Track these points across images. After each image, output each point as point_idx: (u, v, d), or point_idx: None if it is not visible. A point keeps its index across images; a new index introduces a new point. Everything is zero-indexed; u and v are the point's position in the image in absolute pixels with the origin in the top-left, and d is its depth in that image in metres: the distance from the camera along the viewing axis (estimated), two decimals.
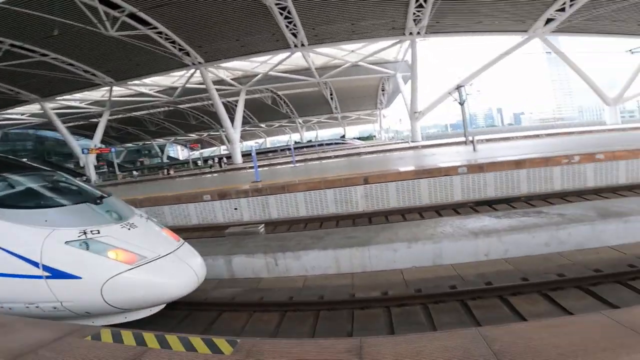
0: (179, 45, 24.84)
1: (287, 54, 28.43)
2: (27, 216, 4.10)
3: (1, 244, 3.90)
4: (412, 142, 31.30)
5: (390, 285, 4.78)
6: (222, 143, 66.78)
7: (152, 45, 23.47)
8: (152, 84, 33.61)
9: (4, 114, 36.26)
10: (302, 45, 26.59)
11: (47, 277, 3.81)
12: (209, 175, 25.12)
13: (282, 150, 51.65)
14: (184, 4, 20.43)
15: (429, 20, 23.88)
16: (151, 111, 47.20)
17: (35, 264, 3.81)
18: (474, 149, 14.97)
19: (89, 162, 33.20)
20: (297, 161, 22.54)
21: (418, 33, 26.04)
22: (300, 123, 62.27)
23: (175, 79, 33.48)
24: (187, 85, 32.00)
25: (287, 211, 10.29)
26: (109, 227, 4.25)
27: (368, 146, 41.42)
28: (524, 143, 18.08)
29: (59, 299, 3.85)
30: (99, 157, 38.85)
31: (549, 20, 24.61)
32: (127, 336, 2.51)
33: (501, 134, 33.25)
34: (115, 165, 43.56)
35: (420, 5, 22.56)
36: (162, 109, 47.41)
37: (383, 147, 30.75)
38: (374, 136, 71.02)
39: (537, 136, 24.43)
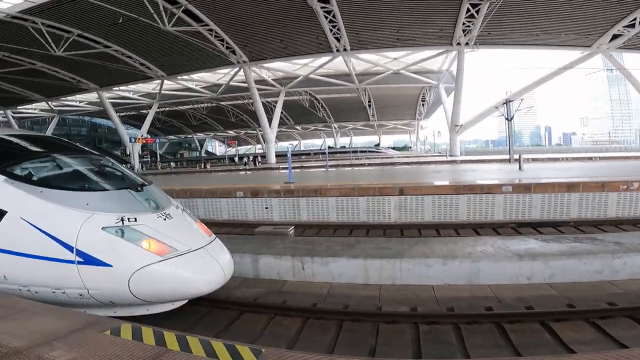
0: (227, 43, 25.61)
1: (329, 57, 28.56)
2: (70, 198, 4.06)
3: (39, 224, 3.84)
4: (450, 156, 30.25)
5: (419, 301, 4.58)
6: (258, 142, 68.30)
7: (202, 42, 24.37)
8: (198, 79, 35.04)
9: (63, 100, 39.29)
10: (345, 49, 26.57)
11: (79, 263, 3.73)
12: (242, 173, 25.69)
13: (315, 154, 51.87)
14: (235, 3, 21.10)
15: (480, 31, 23.01)
16: (195, 106, 49.16)
17: (70, 248, 3.75)
18: (520, 168, 14.13)
19: (135, 150, 35.09)
20: (330, 166, 22.40)
21: (467, 44, 25.17)
22: (335, 128, 62.37)
23: (220, 76, 34.62)
24: (231, 83, 32.90)
25: (318, 215, 10.18)
26: (146, 215, 4.19)
27: (403, 157, 40.61)
28: (575, 165, 16.86)
29: (86, 286, 3.76)
30: (143, 147, 40.99)
31: (615, 36, 22.91)
32: (147, 334, 2.45)
33: (549, 154, 31.34)
34: (158, 156, 45.84)
35: (472, 16, 21.79)
36: (205, 105, 49.13)
37: (419, 159, 29.98)
38: (410, 147, 69.65)
39: (590, 159, 22.73)
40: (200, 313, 4.66)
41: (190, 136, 69.31)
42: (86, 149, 5.62)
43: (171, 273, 3.85)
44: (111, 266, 3.73)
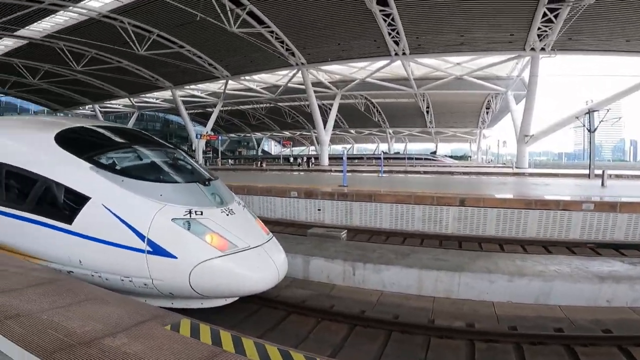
0: (286, 45, 26.27)
1: (387, 61, 28.02)
2: (147, 188, 4.19)
3: (118, 212, 3.97)
4: (517, 168, 27.99)
5: (477, 317, 4.31)
6: (312, 144, 69.28)
7: (264, 43, 25.33)
8: (259, 80, 36.50)
9: (142, 96, 43.42)
10: (403, 54, 25.88)
11: (148, 252, 3.82)
12: (296, 173, 26.19)
13: (368, 158, 51.29)
14: (294, 5, 21.58)
15: (559, 36, 20.99)
16: (255, 106, 51.21)
17: (142, 237, 3.84)
18: (603, 184, 12.60)
19: (200, 146, 37.54)
20: (384, 171, 21.97)
21: (542, 49, 23.10)
22: (390, 133, 61.10)
23: (279, 77, 35.63)
24: (289, 85, 33.73)
25: (370, 220, 10.02)
26: (211, 209, 4.23)
27: (462, 166, 38.47)
28: None
29: (152, 276, 3.84)
30: (207, 143, 43.74)
31: None
32: (205, 331, 2.47)
33: (634, 171, 27.58)
34: (219, 152, 48.69)
35: (549, 20, 19.96)
36: (264, 105, 50.86)
37: (480, 169, 28.18)
38: (470, 156, 65.93)
39: None
40: (249, 310, 4.69)
41: (249, 135, 72.47)
42: (162, 141, 5.80)
43: (229, 269, 3.87)
44: (176, 258, 3.78)
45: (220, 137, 53.46)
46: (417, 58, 27.55)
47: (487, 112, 47.45)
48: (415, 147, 74.75)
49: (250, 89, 38.14)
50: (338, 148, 59.53)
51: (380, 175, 20.17)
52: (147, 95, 42.99)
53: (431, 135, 60.86)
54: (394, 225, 9.71)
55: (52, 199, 4.30)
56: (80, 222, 4.06)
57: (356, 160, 47.61)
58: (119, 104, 47.74)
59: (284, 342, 3.56)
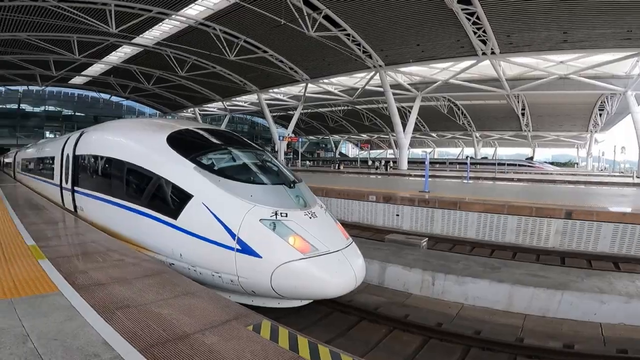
0: (363, 47, 26.06)
1: (472, 61, 25.94)
2: (239, 189, 4.41)
3: (215, 211, 4.22)
4: (638, 177, 23.49)
5: (578, 339, 3.88)
6: (389, 147, 67.86)
7: (341, 46, 25.49)
8: (337, 83, 36.93)
9: (233, 100, 47.50)
10: (492, 53, 23.64)
11: (237, 250, 4.01)
12: (373, 176, 25.85)
13: (451, 163, 48.24)
14: (370, 7, 21.24)
15: None
16: (333, 109, 52.18)
17: (233, 236, 4.04)
18: None
19: (282, 147, 39.54)
20: (470, 177, 20.43)
21: None
22: (476, 137, 56.50)
23: (356, 80, 35.58)
24: (366, 87, 33.47)
25: (454, 229, 9.44)
26: (295, 212, 4.31)
27: (567, 174, 33.62)
28: None
29: (238, 273, 4.03)
30: (288, 145, 45.91)
31: None
32: (283, 335, 2.53)
33: None
34: (299, 154, 50.73)
35: None
36: (342, 108, 51.41)
37: (590, 178, 24.31)
38: (576, 163, 57.53)
39: None
40: (321, 313, 4.70)
41: (327, 137, 74.09)
42: (252, 143, 6.07)
43: (309, 272, 3.89)
44: (261, 257, 3.92)
45: (300, 139, 55.59)
46: (509, 57, 24.91)
47: (599, 114, 40.80)
48: (507, 152, 68.12)
49: (328, 92, 38.86)
50: (417, 152, 57.12)
51: (466, 181, 18.88)
52: (237, 98, 46.81)
53: (527, 140, 54.59)
54: (481, 235, 9.01)
55: (163, 195, 4.77)
56: (184, 218, 4.43)
57: (437, 165, 45.14)
58: (214, 107, 52.96)
59: (353, 348, 3.59)
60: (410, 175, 25.47)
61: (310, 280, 3.89)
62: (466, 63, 26.93)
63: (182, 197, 4.51)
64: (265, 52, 28.90)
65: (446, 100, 43.16)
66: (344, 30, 23.84)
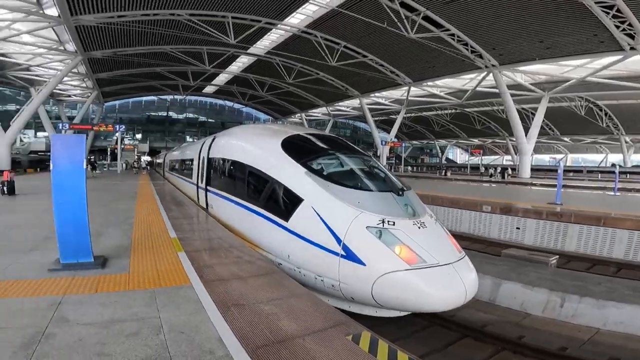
0: (471, 47, 24.12)
1: (617, 57, 21.53)
2: (347, 194, 4.41)
3: (323, 215, 4.26)
4: None
5: None
6: (507, 152, 60.56)
7: (445, 47, 23.88)
8: (442, 85, 34.69)
9: (336, 105, 48.92)
10: None
11: (342, 256, 3.98)
12: (486, 185, 23.30)
13: (589, 171, 40.39)
14: (474, 5, 19.56)
15: None
16: (439, 112, 49.18)
17: (339, 241, 4.03)
18: None
19: (384, 152, 39.02)
20: (620, 189, 16.96)
21: None
22: (626, 142, 45.92)
23: (465, 81, 32.99)
24: (477, 89, 30.65)
25: (593, 247, 8.05)
26: (403, 220, 4.15)
27: None
28: None
29: (340, 279, 3.99)
30: (390, 150, 45.03)
31: None
32: (383, 349, 2.40)
33: None
34: (402, 159, 49.32)
35: None
36: (449, 111, 48.35)
37: None
38: None
39: None
40: (418, 325, 4.44)
41: (432, 142, 70.20)
42: (358, 149, 6.06)
43: (413, 284, 3.67)
44: (364, 265, 3.83)
45: (403, 144, 53.94)
46: None
47: None
48: None
49: (433, 95, 36.88)
50: (544, 158, 49.23)
51: (614, 193, 15.91)
52: (339, 103, 48.09)
53: None
54: (632, 256, 7.58)
55: (276, 197, 5.02)
56: (294, 220, 4.60)
57: (571, 174, 38.33)
58: (318, 112, 55.50)
59: None
60: (532, 184, 22.14)
61: (414, 293, 3.68)
62: (608, 59, 22.71)
63: (293, 201, 4.67)
64: (365, 56, 29.00)
65: (583, 100, 36.39)
66: (447, 30, 22.50)
